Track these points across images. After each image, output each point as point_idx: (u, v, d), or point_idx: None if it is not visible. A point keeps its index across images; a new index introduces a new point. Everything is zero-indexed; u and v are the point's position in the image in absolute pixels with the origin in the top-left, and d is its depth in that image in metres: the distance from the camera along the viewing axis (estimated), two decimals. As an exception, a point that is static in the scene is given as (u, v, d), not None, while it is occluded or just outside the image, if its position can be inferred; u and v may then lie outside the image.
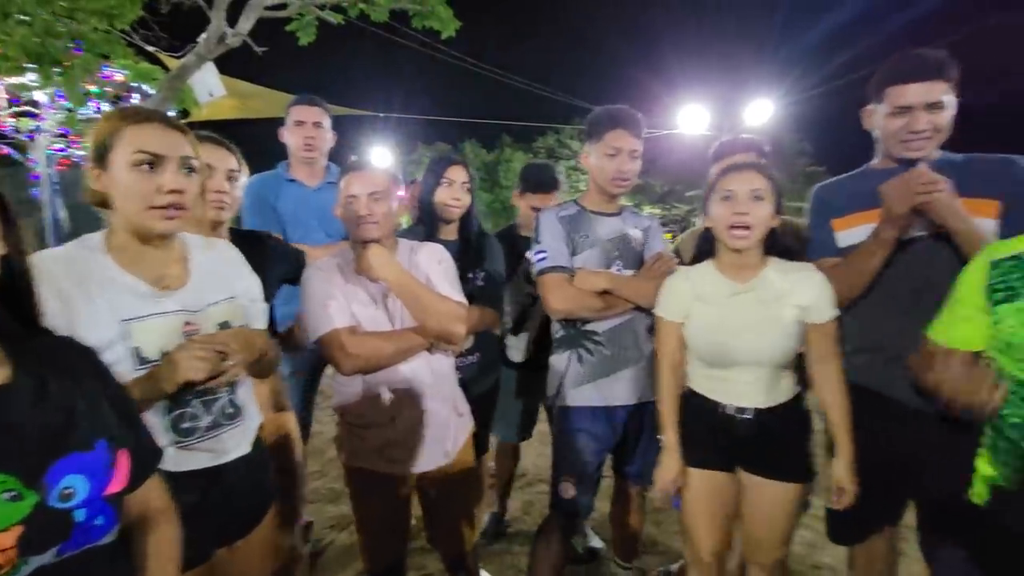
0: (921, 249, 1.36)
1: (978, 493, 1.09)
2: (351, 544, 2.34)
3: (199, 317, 1.04)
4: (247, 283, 1.20)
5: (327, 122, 2.26)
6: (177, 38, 5.28)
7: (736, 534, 1.57)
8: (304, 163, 2.24)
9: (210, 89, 4.88)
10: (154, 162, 0.95)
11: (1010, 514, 1.02)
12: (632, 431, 1.74)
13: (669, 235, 3.83)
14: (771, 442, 1.40)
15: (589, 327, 1.68)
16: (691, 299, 1.45)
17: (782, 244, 1.45)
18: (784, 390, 1.41)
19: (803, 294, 1.36)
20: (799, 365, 1.45)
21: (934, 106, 1.34)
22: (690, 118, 14.97)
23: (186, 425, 1.03)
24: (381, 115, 9.77)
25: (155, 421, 0.98)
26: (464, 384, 1.68)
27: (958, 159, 1.41)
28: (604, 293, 1.63)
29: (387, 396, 1.44)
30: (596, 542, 2.34)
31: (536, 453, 3.14)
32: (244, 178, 1.48)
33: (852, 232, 1.47)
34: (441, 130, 29.48)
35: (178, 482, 0.94)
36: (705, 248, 1.57)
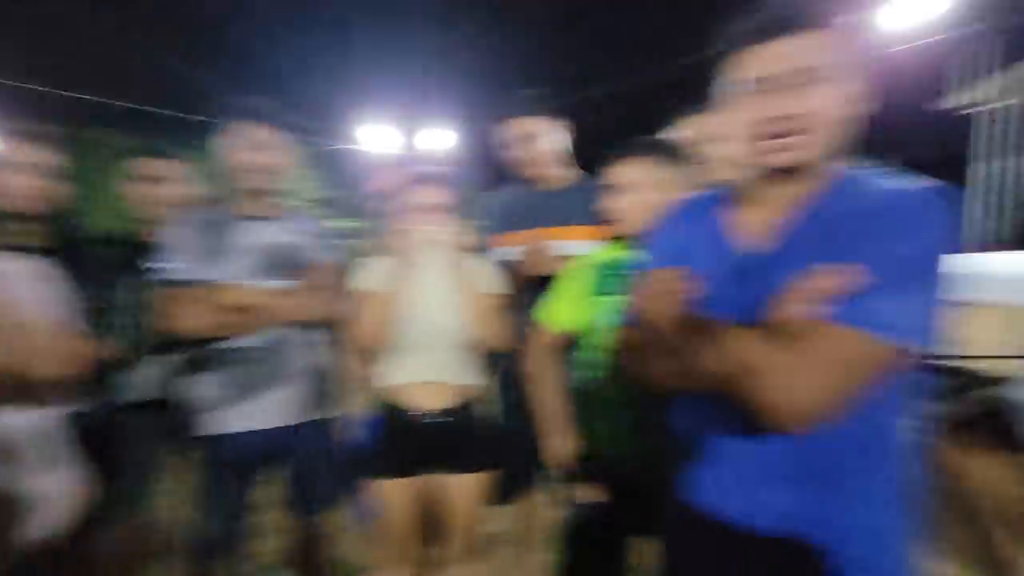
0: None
1: (591, 444, 1.35)
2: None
3: None
4: None
5: None
6: None
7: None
8: None
9: None
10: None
11: (612, 455, 1.28)
12: (286, 459, 1.56)
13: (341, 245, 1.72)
14: (457, 440, 1.47)
15: (229, 345, 1.48)
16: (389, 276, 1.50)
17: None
18: (468, 375, 1.49)
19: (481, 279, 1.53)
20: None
21: (528, 136, 1.68)
22: (371, 134, 14.98)
23: None
24: None
25: None
26: (77, 439, 1.39)
27: (587, 183, 1.64)
28: (243, 309, 1.45)
29: None
30: None
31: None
32: None
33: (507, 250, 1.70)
34: (59, 106, 21.99)
35: None
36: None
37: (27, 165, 1.37)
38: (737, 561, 0.80)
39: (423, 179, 1.44)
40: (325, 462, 1.59)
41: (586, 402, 1.35)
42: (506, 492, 1.69)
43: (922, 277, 0.66)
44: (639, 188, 1.24)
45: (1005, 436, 0.73)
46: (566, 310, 1.36)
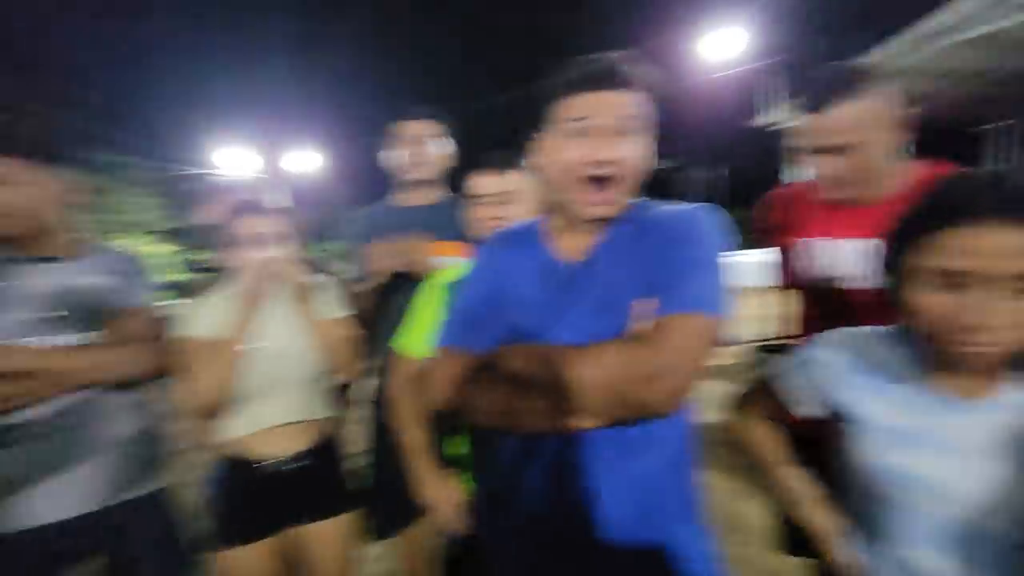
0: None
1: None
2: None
3: None
4: None
5: None
6: None
7: None
8: None
9: None
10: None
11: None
12: (103, 552, 1.27)
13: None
14: (318, 482, 1.36)
15: (6, 420, 1.19)
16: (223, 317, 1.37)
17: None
18: (319, 410, 1.39)
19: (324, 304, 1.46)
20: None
21: (422, 138, 1.70)
22: (230, 158, 15.13)
23: None
24: None
25: None
26: None
27: (449, 200, 1.72)
28: (21, 374, 1.18)
29: None
30: None
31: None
32: None
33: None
34: None
35: None
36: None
37: None
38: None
39: (248, 208, 1.34)
40: (157, 544, 1.35)
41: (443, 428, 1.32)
42: (383, 527, 1.61)
43: (710, 268, 0.79)
44: (500, 199, 1.25)
45: (776, 408, 0.87)
46: (425, 335, 1.29)
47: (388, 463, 1.50)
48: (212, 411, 1.30)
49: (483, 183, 1.28)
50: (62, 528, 1.21)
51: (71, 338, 1.24)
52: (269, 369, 1.30)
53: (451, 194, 1.75)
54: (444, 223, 1.60)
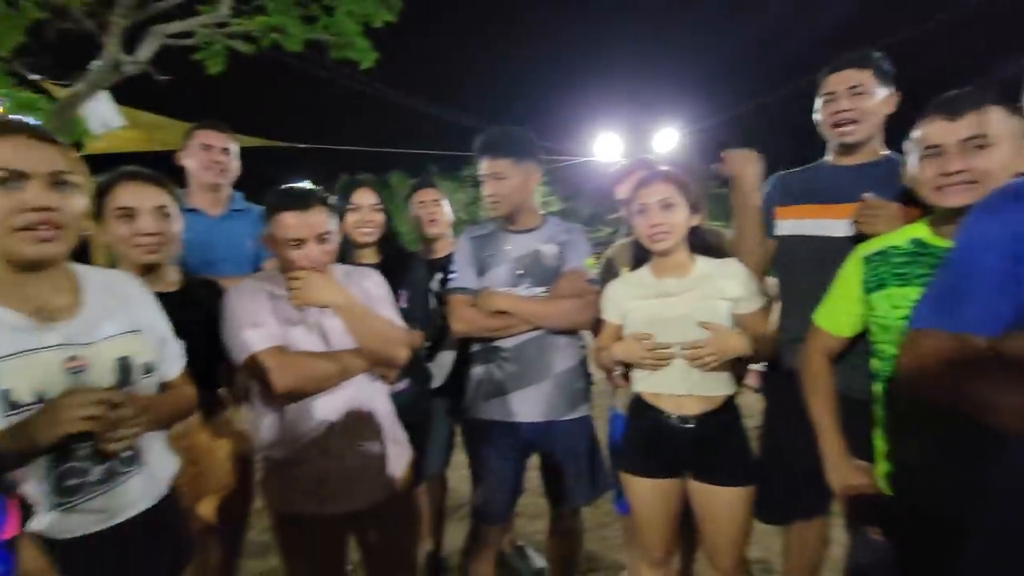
0: (846, 246, 1.35)
1: (879, 469, 1.17)
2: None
3: (89, 351, 0.90)
4: (154, 318, 1.08)
5: (235, 149, 2.12)
6: (66, 66, 4.83)
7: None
8: (208, 190, 2.06)
9: (105, 120, 4.44)
10: (12, 179, 0.83)
11: (907, 486, 1.07)
12: (545, 452, 1.76)
13: (591, 261, 1.90)
14: (713, 449, 1.44)
15: (497, 343, 1.70)
16: (628, 300, 1.54)
17: (705, 243, 1.58)
18: (721, 385, 1.45)
19: (731, 287, 1.46)
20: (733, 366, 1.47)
21: (854, 89, 1.47)
22: (605, 146, 16.62)
23: (72, 482, 0.87)
24: (301, 146, 8.92)
25: (33, 479, 0.84)
26: (397, 413, 1.56)
27: (896, 159, 1.47)
28: (503, 313, 1.65)
29: (314, 423, 1.34)
30: (540, 562, 2.32)
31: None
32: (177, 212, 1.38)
33: (786, 223, 1.64)
34: (365, 161, 30.01)
35: (60, 553, 0.84)
36: (640, 255, 1.61)
37: (366, 208, 1.74)
38: None
39: (651, 179, 1.48)
40: (581, 459, 1.72)
41: (870, 418, 1.20)
42: (770, 510, 1.58)
43: None
44: (976, 143, 1.01)
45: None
46: (846, 309, 1.24)
47: (783, 441, 1.54)
48: (610, 370, 1.59)
49: (943, 129, 1.04)
50: (520, 428, 1.68)
51: (534, 291, 1.68)
52: (678, 342, 1.41)
53: (890, 151, 1.54)
54: (871, 185, 1.43)
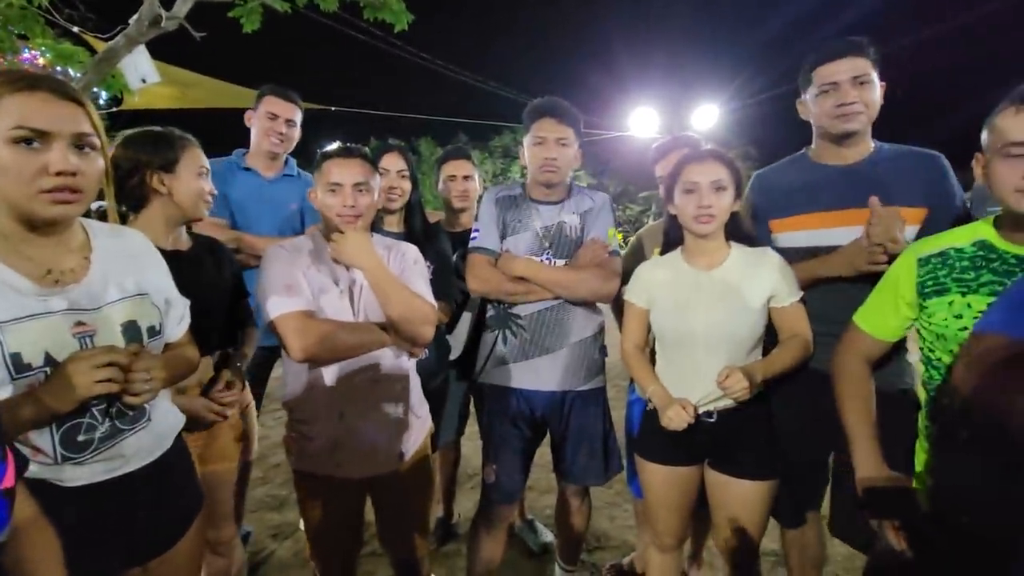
0: None
1: (918, 476, 1.11)
2: (295, 553, 2.22)
3: (94, 317, 0.90)
4: (161, 281, 1.06)
5: (299, 119, 2.20)
6: (106, 19, 4.79)
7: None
8: (267, 156, 2.16)
9: (143, 75, 4.40)
10: (36, 139, 0.80)
11: (951, 503, 0.90)
12: (556, 427, 1.70)
13: (620, 234, 2.79)
14: (735, 441, 1.39)
15: (514, 310, 1.67)
16: (657, 285, 1.47)
17: (743, 230, 1.47)
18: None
19: (767, 278, 1.37)
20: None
21: (859, 79, 1.39)
22: (641, 121, 16.01)
23: (81, 438, 0.88)
24: (332, 108, 8.92)
25: (41, 436, 0.84)
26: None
27: (887, 153, 1.45)
28: (522, 279, 1.61)
29: (332, 388, 1.35)
30: (548, 537, 2.29)
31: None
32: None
33: (794, 235, 1.52)
34: (394, 126, 29.44)
35: (63, 497, 0.85)
36: (672, 236, 1.53)
37: (393, 173, 1.74)
38: None
39: (702, 157, 1.38)
40: (594, 437, 1.68)
41: (909, 422, 1.14)
42: (785, 509, 1.56)
43: None
44: None
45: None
46: (895, 312, 1.17)
47: (802, 439, 1.47)
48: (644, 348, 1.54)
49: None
50: (534, 398, 1.65)
51: (556, 262, 1.65)
52: (699, 335, 1.38)
53: (877, 141, 1.48)
54: (893, 184, 1.37)
